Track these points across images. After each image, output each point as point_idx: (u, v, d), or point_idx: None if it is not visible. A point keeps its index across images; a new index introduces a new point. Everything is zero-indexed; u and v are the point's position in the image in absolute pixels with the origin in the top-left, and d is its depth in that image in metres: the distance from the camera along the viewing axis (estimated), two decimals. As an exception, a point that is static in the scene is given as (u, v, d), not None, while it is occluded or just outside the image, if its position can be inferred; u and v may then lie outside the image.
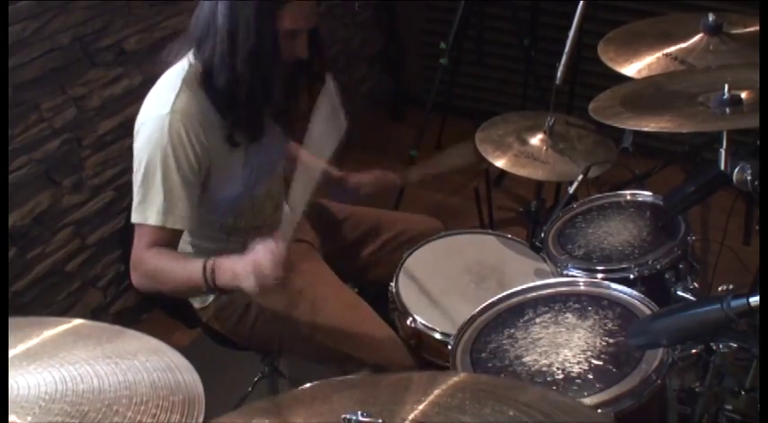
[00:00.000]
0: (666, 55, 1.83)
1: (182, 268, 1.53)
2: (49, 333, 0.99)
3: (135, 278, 1.57)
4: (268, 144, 1.73)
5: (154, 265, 1.54)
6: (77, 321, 1.04)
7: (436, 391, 0.98)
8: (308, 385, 1.08)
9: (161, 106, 1.54)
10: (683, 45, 1.86)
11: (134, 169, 1.57)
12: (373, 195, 1.99)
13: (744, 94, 1.43)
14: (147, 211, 1.54)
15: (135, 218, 1.56)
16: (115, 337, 1.01)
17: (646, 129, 1.44)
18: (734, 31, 1.87)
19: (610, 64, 1.84)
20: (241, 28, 1.50)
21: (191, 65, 1.58)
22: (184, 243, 1.75)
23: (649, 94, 1.58)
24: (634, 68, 1.82)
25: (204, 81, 1.57)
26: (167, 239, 1.56)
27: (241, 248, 1.77)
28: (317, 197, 1.67)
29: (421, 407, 0.95)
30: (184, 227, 1.58)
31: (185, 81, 1.57)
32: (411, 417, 0.93)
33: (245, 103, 1.56)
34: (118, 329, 1.03)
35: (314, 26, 1.58)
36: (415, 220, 2.08)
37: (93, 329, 1.03)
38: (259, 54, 1.51)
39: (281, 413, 1.01)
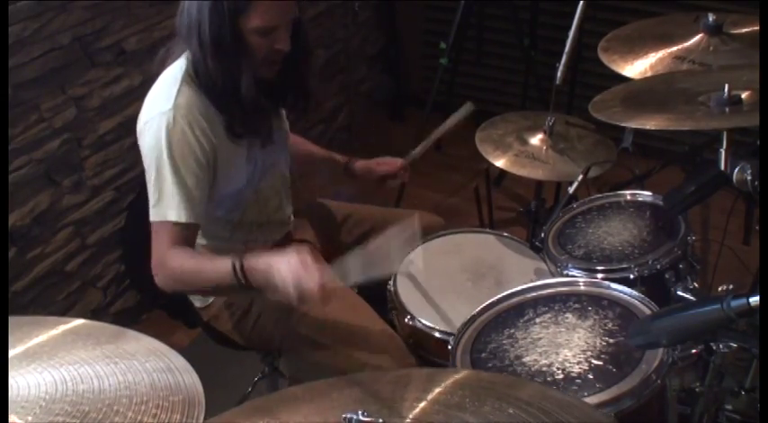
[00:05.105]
0: (670, 54, 1.83)
1: (211, 269, 1.50)
2: (49, 333, 0.99)
3: (159, 280, 1.53)
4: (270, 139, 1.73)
5: (179, 265, 1.51)
6: (78, 321, 1.04)
7: (436, 389, 0.98)
8: (308, 383, 1.08)
9: (163, 103, 1.54)
10: (683, 45, 1.86)
11: (146, 170, 1.55)
12: (376, 188, 2.01)
13: (744, 95, 1.43)
14: (165, 208, 1.52)
15: (154, 217, 1.53)
16: (114, 338, 1.01)
17: (647, 127, 1.44)
18: (734, 31, 1.87)
19: (611, 65, 1.84)
20: (202, 28, 1.50)
21: (188, 61, 1.59)
22: None
23: (650, 94, 1.58)
24: (635, 69, 1.82)
25: (196, 77, 1.57)
26: (186, 237, 1.54)
27: (242, 246, 1.78)
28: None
29: (421, 404, 0.95)
30: (200, 221, 1.56)
31: (185, 77, 1.57)
32: (411, 415, 0.93)
33: (232, 100, 1.57)
34: (117, 330, 1.03)
35: (294, 18, 1.57)
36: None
37: (93, 329, 1.03)
38: (226, 54, 1.51)
39: (280, 411, 1.01)
